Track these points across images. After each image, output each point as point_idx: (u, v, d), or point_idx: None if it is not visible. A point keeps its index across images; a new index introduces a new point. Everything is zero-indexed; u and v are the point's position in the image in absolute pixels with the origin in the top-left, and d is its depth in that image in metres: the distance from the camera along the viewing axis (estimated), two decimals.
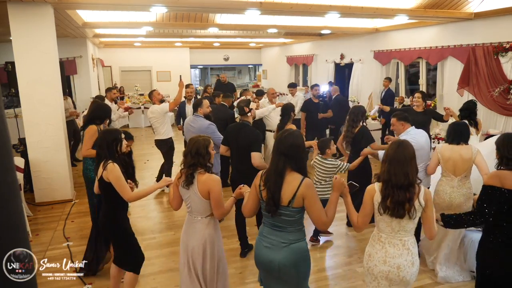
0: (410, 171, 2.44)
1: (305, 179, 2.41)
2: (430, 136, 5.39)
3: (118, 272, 3.43)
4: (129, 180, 3.33)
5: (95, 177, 4.34)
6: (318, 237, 4.75)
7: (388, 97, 8.95)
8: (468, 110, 5.26)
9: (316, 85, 8.25)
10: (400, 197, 2.41)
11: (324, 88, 8.45)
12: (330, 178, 4.38)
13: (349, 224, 5.11)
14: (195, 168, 2.80)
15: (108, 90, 7.69)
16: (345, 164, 4.55)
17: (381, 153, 4.38)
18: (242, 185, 2.92)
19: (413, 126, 4.29)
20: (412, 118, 4.41)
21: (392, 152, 2.50)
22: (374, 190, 2.54)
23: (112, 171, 3.05)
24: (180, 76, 6.69)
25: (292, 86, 8.16)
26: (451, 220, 2.78)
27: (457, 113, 5.51)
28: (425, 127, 5.25)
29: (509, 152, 2.63)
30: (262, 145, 6.38)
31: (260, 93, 7.81)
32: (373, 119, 8.91)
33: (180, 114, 7.14)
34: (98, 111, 4.48)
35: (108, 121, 4.70)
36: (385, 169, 2.49)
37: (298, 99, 7.89)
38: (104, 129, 3.19)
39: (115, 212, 3.24)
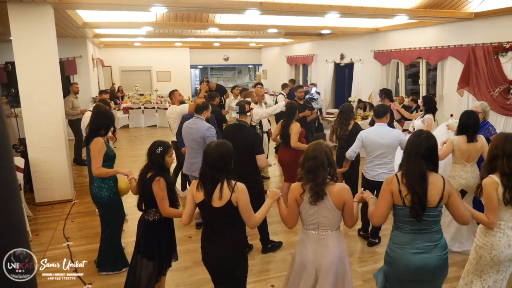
0: None
1: (445, 178, 2.45)
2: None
3: None
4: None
5: (110, 195, 3.74)
6: None
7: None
8: (429, 104, 5.64)
9: (300, 86, 7.58)
10: None
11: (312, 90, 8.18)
12: None
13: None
14: (325, 181, 2.48)
15: (101, 93, 6.89)
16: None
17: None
18: (364, 190, 2.82)
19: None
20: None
21: (506, 146, 2.60)
22: (497, 183, 2.62)
23: (244, 192, 2.52)
24: (205, 77, 6.08)
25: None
26: None
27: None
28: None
29: None
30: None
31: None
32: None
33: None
34: (102, 119, 3.80)
35: (113, 129, 4.06)
36: (503, 163, 2.59)
37: (278, 100, 7.65)
38: (213, 143, 2.60)
39: (246, 238, 2.77)
